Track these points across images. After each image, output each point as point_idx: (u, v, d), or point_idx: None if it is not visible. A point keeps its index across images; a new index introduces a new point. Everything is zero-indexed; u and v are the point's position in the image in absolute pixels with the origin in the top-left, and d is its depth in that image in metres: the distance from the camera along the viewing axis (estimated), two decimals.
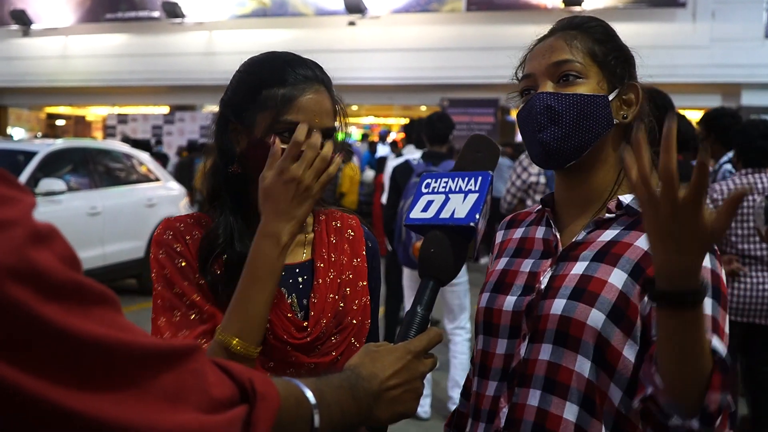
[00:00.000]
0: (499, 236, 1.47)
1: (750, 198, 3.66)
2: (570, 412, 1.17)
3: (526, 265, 1.33)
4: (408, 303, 4.85)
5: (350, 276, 1.40)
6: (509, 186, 4.72)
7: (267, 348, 1.26)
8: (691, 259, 0.91)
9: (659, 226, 0.91)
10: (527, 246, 1.37)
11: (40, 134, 18.74)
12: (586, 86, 1.26)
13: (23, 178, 6.61)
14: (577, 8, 13.77)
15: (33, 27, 18.11)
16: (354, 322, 1.37)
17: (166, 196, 8.39)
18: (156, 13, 17.16)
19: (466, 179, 1.18)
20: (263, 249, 1.19)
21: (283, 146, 1.23)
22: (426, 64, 14.80)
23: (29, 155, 6.89)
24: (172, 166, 13.55)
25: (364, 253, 1.44)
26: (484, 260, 9.22)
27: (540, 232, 1.37)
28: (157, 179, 8.51)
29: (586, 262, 1.23)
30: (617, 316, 1.17)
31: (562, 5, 14.04)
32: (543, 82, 1.28)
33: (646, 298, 1.15)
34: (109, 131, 18.85)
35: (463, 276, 4.60)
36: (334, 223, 1.45)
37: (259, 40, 14.62)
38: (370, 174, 12.28)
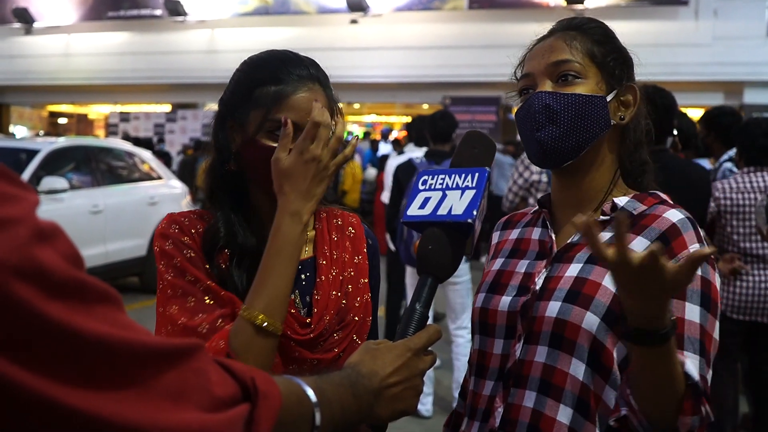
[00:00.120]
0: (496, 237, 1.48)
1: (752, 196, 3.66)
2: (564, 414, 1.18)
3: (522, 265, 1.34)
4: None
5: (352, 273, 1.40)
6: (511, 184, 4.71)
7: None
8: (657, 305, 0.98)
9: (622, 283, 0.99)
10: (523, 247, 1.38)
11: (42, 132, 18.79)
12: (585, 86, 1.26)
13: (26, 176, 6.61)
14: (579, 6, 13.75)
15: (35, 25, 18.13)
16: (356, 318, 1.38)
17: (168, 194, 8.38)
18: (158, 11, 17.16)
19: (463, 176, 1.17)
20: (287, 227, 1.20)
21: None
22: (428, 62, 14.79)
23: (31, 153, 6.90)
24: (176, 165, 13.56)
25: (365, 250, 1.45)
26: (484, 258, 9.17)
27: (536, 233, 1.38)
28: (159, 177, 8.51)
29: (581, 264, 1.24)
30: (611, 320, 1.17)
31: (564, 3, 14.03)
32: (542, 82, 1.28)
33: None
34: (111, 129, 18.88)
35: (465, 274, 4.59)
36: (335, 220, 1.45)
37: (261, 38, 14.64)
38: (372, 172, 12.28)
